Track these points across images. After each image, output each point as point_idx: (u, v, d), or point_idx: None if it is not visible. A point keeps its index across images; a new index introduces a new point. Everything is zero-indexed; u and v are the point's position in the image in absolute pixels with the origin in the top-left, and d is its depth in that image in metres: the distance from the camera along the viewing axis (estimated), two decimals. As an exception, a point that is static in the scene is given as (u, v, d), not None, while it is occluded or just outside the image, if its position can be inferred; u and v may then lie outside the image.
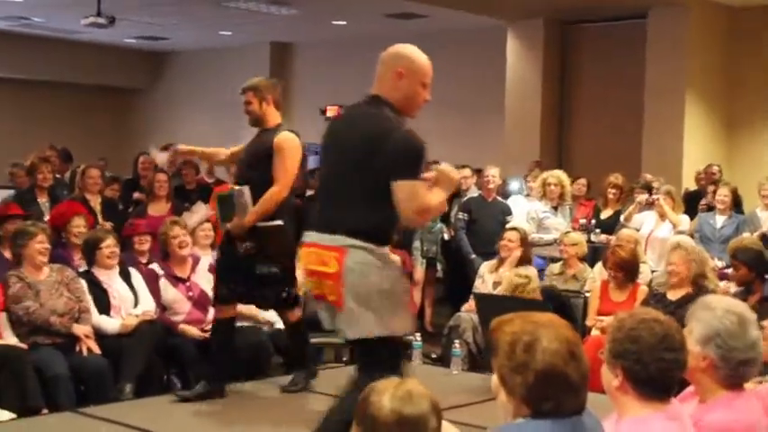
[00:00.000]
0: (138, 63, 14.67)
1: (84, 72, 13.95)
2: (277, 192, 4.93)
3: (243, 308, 6.34)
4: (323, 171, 3.76)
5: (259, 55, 13.39)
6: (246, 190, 4.98)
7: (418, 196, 3.34)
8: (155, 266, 6.16)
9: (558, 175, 7.67)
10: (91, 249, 5.97)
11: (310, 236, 3.50)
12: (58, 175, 8.14)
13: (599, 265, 6.81)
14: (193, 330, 5.94)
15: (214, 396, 5.05)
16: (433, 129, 12.35)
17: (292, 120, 13.39)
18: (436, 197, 3.44)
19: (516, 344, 2.06)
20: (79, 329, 5.50)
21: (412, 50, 3.62)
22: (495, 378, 2.12)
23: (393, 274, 3.40)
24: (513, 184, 9.67)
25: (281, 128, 5.08)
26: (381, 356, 3.35)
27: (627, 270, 6.07)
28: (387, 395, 2.01)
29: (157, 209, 7.47)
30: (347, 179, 3.44)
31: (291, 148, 4.98)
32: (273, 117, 5.14)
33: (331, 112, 12.92)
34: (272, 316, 6.51)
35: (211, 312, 6.09)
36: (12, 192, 8.46)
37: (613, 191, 8.05)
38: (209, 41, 13.27)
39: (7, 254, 5.95)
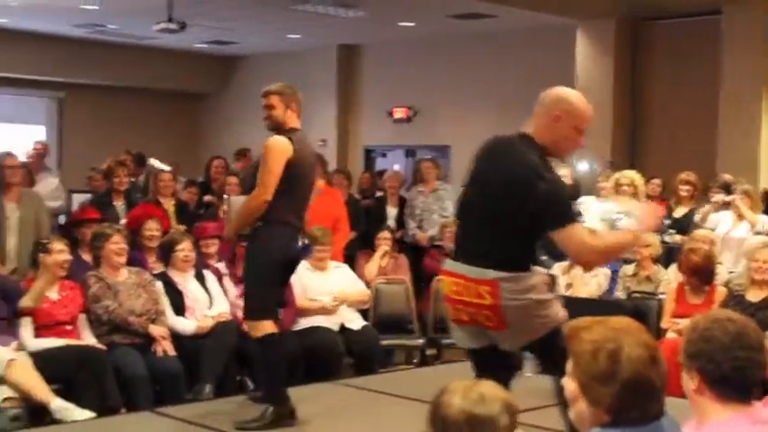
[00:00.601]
0: (208, 67, 14.85)
1: (156, 77, 14.17)
2: (255, 196, 4.68)
3: (311, 306, 6.41)
4: (468, 198, 3.71)
5: (326, 58, 13.45)
6: (236, 199, 5.02)
7: (584, 242, 3.42)
8: (220, 266, 6.24)
9: (631, 175, 7.55)
10: (167, 251, 6.08)
11: (456, 266, 3.55)
12: (132, 179, 8.26)
13: (674, 266, 6.69)
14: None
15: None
16: (498, 130, 12.28)
17: (359, 122, 13.44)
18: (612, 239, 3.60)
19: (599, 352, 2.01)
20: (156, 330, 5.60)
21: (573, 95, 3.62)
22: (570, 385, 2.07)
23: (540, 286, 3.51)
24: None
25: (290, 133, 4.80)
26: (558, 344, 3.43)
27: (701, 275, 5.96)
28: (458, 395, 2.00)
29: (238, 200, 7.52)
30: (492, 215, 3.49)
31: (276, 150, 4.65)
32: (293, 123, 4.84)
33: (398, 113, 12.92)
34: (345, 317, 6.55)
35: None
36: (89, 196, 8.66)
37: (686, 188, 7.90)
38: (278, 45, 13.38)
39: (86, 256, 6.09)
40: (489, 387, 2.04)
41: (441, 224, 8.23)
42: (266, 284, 4.68)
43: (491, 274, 3.43)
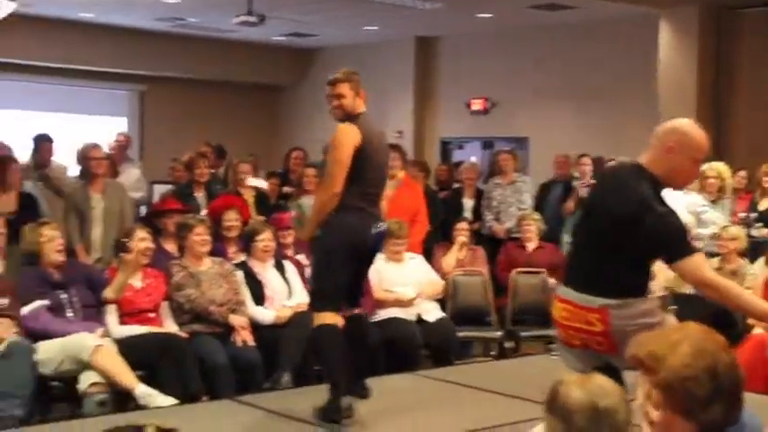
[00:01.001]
0: (286, 60, 14.95)
1: (235, 70, 14.32)
2: (324, 189, 4.52)
3: (388, 298, 6.43)
4: (582, 222, 3.76)
5: (403, 50, 13.43)
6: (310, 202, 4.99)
7: (702, 276, 3.40)
8: (301, 258, 6.28)
9: (718, 167, 7.37)
10: (247, 242, 6.15)
11: (566, 293, 3.56)
12: (212, 171, 8.38)
13: (761, 260, 6.51)
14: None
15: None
16: (577, 122, 12.17)
17: (436, 114, 13.40)
18: (745, 299, 3.50)
19: (699, 376, 1.89)
20: (236, 320, 5.66)
21: (688, 126, 3.54)
22: (661, 416, 1.91)
23: (653, 311, 3.49)
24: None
25: (357, 118, 4.57)
26: None
27: (788, 269, 5.79)
28: (577, 386, 2.01)
29: (309, 203, 7.58)
30: (601, 243, 3.47)
31: (343, 139, 4.45)
32: (360, 108, 4.62)
33: (475, 105, 12.84)
34: (422, 308, 6.54)
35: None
36: (170, 187, 8.81)
37: (770, 179, 7.70)
38: (355, 37, 13.40)
39: (168, 246, 6.20)
40: (605, 380, 2.04)
41: (518, 216, 8.18)
42: (331, 273, 4.47)
43: (599, 301, 3.42)
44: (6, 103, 13.05)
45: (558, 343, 3.78)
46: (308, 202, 7.53)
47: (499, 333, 7.15)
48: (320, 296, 4.54)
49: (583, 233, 3.69)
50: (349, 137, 4.45)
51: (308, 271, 6.17)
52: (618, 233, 3.41)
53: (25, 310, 5.12)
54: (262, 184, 8.03)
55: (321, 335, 4.48)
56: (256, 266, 6.06)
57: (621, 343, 3.35)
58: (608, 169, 3.73)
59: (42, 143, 8.11)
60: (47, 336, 5.05)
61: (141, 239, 5.66)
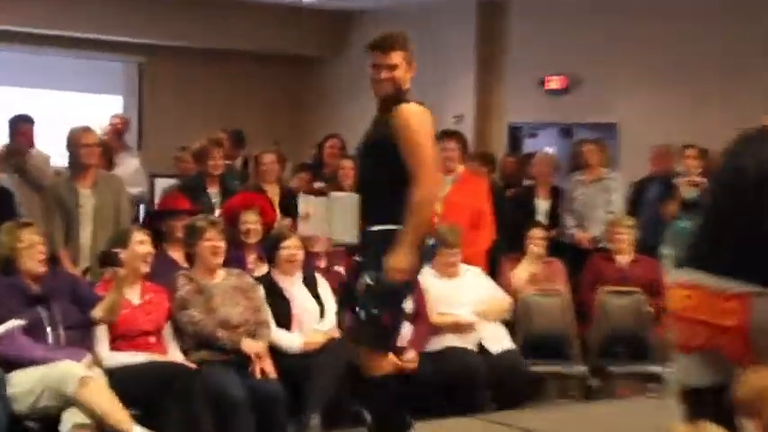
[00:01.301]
0: (318, 27, 14.94)
1: (255, 39, 14.32)
2: (422, 186, 4.41)
3: (443, 322, 6.39)
4: (712, 197, 3.81)
5: (463, 15, 13.36)
6: (339, 197, 4.90)
7: None
8: (340, 270, 6.26)
9: None
10: (271, 249, 6.14)
11: (692, 275, 3.53)
12: (228, 162, 8.39)
13: None
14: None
15: None
16: (679, 105, 12.00)
17: (504, 93, 13.29)
18: None
19: None
20: (249, 347, 5.62)
21: None
22: None
23: None
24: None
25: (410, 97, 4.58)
26: None
27: None
28: None
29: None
30: (741, 218, 3.49)
31: (422, 122, 4.48)
32: (407, 85, 4.62)
33: (552, 83, 12.75)
34: (485, 335, 6.49)
35: (408, 330, 6.13)
36: (173, 181, 8.82)
37: None
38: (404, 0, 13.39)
39: (174, 254, 6.19)
40: None
41: (606, 221, 8.11)
42: (400, 309, 4.55)
43: (739, 287, 3.38)
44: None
45: (672, 349, 3.74)
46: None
47: (583, 368, 7.11)
48: (384, 336, 4.52)
49: (714, 210, 3.68)
50: (426, 122, 4.50)
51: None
52: (760, 201, 3.42)
53: (-3, 330, 5.11)
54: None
55: (384, 389, 4.51)
56: (281, 280, 6.07)
57: (759, 347, 3.31)
58: (742, 135, 3.68)
59: (20, 125, 8.15)
60: (22, 364, 5.03)
61: (139, 243, 5.66)
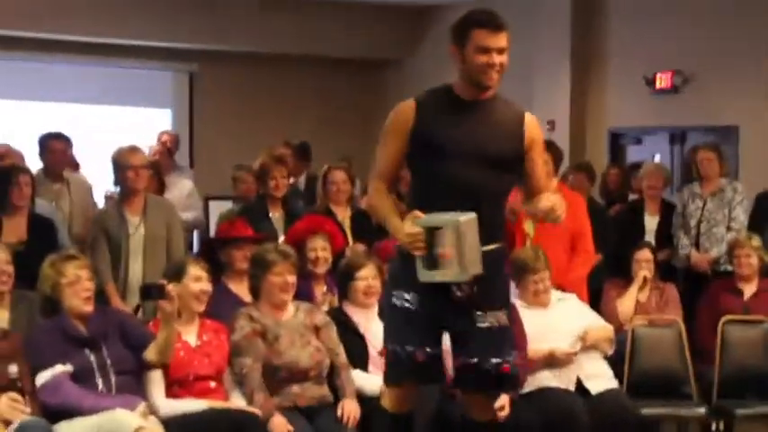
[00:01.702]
0: (392, 25, 14.92)
1: (321, 41, 14.31)
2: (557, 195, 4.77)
3: (535, 357, 6.37)
4: None
5: (557, 7, 13.33)
6: (469, 221, 4.34)
7: None
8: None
9: None
10: (344, 280, 6.17)
11: None
12: (291, 180, 8.44)
13: None
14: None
15: None
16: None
17: (603, 95, 13.24)
18: None
19: None
20: (347, 411, 5.70)
21: None
22: None
23: None
24: None
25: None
26: None
27: None
28: None
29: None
30: None
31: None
32: None
33: (660, 81, 12.64)
34: (584, 371, 6.46)
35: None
36: (230, 204, 8.91)
37: None
38: (486, -10, 13.38)
39: (236, 288, 6.26)
40: None
41: (729, 241, 8.05)
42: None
43: None
44: (9, 92, 13.16)
45: None
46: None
47: (702, 410, 7.03)
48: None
49: None
50: None
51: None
52: None
53: (41, 378, 5.21)
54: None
55: None
56: (355, 314, 6.09)
57: None
58: None
59: (50, 144, 8.08)
60: (69, 414, 5.12)
61: (195, 279, 5.73)
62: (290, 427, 5.54)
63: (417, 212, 4.32)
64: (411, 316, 4.48)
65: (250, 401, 5.59)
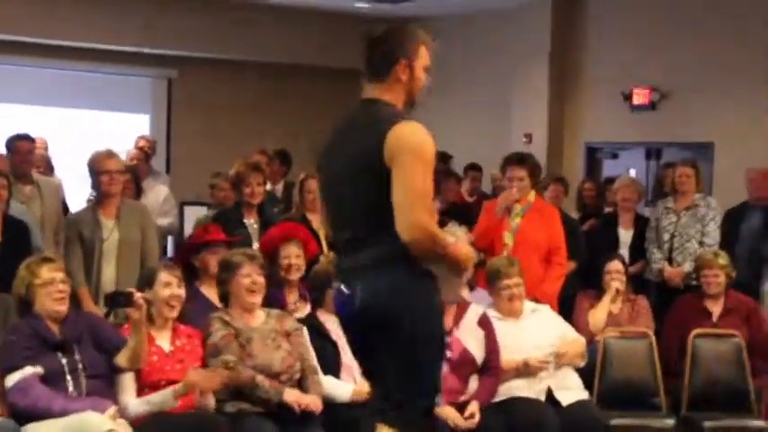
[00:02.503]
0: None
1: (299, 50, 14.33)
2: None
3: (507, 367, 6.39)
4: None
5: (535, 17, 13.36)
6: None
7: None
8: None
9: None
10: (320, 287, 6.18)
11: None
12: (269, 187, 8.45)
13: None
14: (449, 411, 6.00)
15: None
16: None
17: (581, 109, 13.28)
18: None
19: None
20: (292, 397, 5.68)
21: None
22: None
23: None
24: None
25: None
26: None
27: None
28: None
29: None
30: None
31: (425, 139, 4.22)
32: None
33: (639, 97, 12.69)
34: (554, 382, 6.48)
35: (473, 384, 6.15)
36: (205, 209, 8.90)
37: None
38: (469, 2, 13.41)
39: (209, 293, 6.27)
40: None
41: (695, 259, 8.10)
42: None
43: None
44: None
45: None
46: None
47: (671, 422, 7.04)
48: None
49: None
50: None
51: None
52: None
53: (11, 380, 5.21)
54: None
55: None
56: (328, 321, 6.11)
57: None
58: None
59: (17, 144, 8.00)
60: (38, 416, 5.12)
61: (165, 285, 5.75)
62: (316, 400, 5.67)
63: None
64: None
65: (234, 399, 5.64)
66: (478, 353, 6.21)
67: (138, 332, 5.44)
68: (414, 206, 3.90)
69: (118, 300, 5.51)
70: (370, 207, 4.02)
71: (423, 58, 4.31)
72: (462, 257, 4.14)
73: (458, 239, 4.16)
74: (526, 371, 6.46)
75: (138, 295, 5.43)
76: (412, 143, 3.99)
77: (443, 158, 10.65)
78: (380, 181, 3.96)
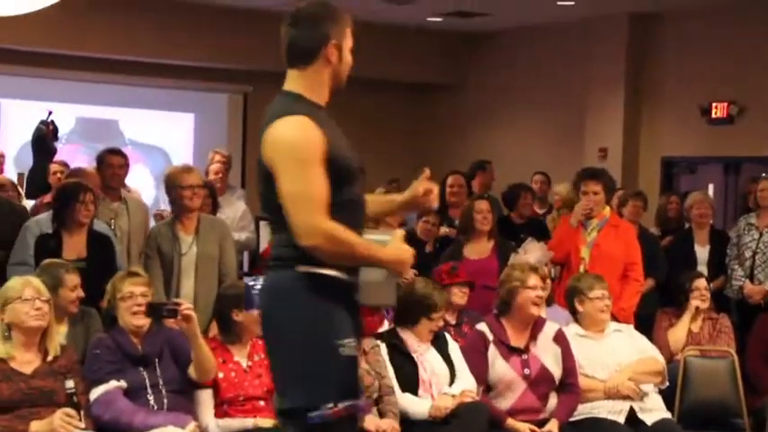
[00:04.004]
0: (442, 50, 15.00)
1: (371, 65, 14.24)
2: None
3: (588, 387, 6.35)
4: None
5: (612, 32, 13.31)
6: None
7: None
8: (483, 328, 6.26)
9: None
10: (403, 304, 6.17)
11: None
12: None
13: None
14: (522, 427, 5.99)
15: None
16: None
17: (657, 123, 13.19)
18: None
19: None
20: (371, 424, 5.65)
21: None
22: None
23: None
24: None
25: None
26: None
27: None
28: None
29: (477, 249, 7.62)
30: None
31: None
32: None
33: (717, 111, 12.59)
34: (636, 402, 6.44)
35: (552, 400, 6.13)
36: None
37: None
38: (542, 15, 13.40)
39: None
40: None
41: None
42: None
43: None
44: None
45: None
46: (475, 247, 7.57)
47: (754, 442, 7.00)
48: None
49: None
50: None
51: (492, 348, 6.18)
52: None
53: (95, 393, 5.30)
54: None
55: None
56: (410, 339, 6.13)
57: None
58: None
59: (110, 158, 8.01)
60: (121, 429, 5.21)
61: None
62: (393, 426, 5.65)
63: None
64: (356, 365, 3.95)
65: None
66: (556, 369, 6.18)
67: (194, 344, 5.50)
68: (299, 211, 3.65)
69: (160, 311, 5.53)
70: (272, 210, 3.80)
71: (349, 39, 4.08)
72: (393, 258, 3.80)
73: (392, 240, 3.84)
74: (616, 394, 6.39)
75: (184, 306, 5.48)
76: (284, 143, 3.75)
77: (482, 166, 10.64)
78: (272, 184, 3.74)
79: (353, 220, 3.80)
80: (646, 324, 7.46)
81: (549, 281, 6.86)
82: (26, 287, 5.25)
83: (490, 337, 6.19)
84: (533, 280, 6.15)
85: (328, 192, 3.72)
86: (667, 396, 6.81)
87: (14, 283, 5.36)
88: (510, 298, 6.18)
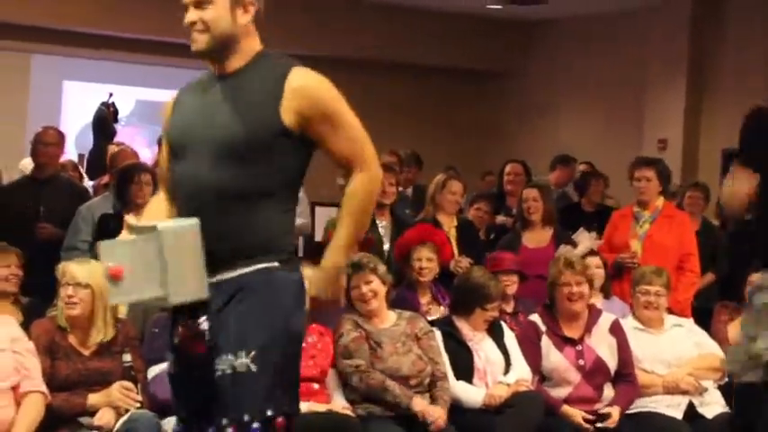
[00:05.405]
0: (500, 38, 14.93)
1: (428, 51, 14.35)
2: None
3: (644, 381, 6.31)
4: None
5: (672, 18, 13.17)
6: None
7: None
8: (535, 318, 6.28)
9: None
10: (462, 293, 6.22)
11: None
12: (400, 188, 8.49)
13: None
14: (576, 414, 6.00)
15: None
16: None
17: (719, 114, 13.05)
18: None
19: None
20: (420, 407, 5.66)
21: None
22: None
23: None
24: None
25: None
26: None
27: None
28: None
29: (535, 238, 7.59)
30: None
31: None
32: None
33: (786, 101, 12.42)
34: (696, 396, 6.41)
35: (608, 391, 6.12)
36: (337, 211, 8.96)
37: None
38: (601, 2, 13.31)
39: (343, 294, 6.33)
40: None
41: None
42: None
43: None
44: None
45: None
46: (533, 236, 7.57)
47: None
48: None
49: None
50: None
51: (545, 339, 6.21)
52: None
53: (152, 371, 5.37)
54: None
55: None
56: (465, 327, 6.13)
57: None
58: None
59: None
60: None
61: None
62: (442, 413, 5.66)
63: (131, 218, 3.67)
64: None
65: (364, 402, 5.69)
66: (611, 360, 6.17)
67: None
68: (368, 142, 3.84)
69: None
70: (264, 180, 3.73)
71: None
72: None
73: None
74: (675, 389, 6.37)
75: None
76: (326, 82, 3.90)
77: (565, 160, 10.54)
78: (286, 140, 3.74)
79: None
80: (704, 318, 7.40)
81: (599, 270, 6.82)
82: (65, 274, 5.35)
83: (542, 327, 6.22)
84: (566, 277, 6.18)
85: None
86: (726, 391, 6.75)
87: (61, 267, 5.45)
88: (552, 292, 6.25)
